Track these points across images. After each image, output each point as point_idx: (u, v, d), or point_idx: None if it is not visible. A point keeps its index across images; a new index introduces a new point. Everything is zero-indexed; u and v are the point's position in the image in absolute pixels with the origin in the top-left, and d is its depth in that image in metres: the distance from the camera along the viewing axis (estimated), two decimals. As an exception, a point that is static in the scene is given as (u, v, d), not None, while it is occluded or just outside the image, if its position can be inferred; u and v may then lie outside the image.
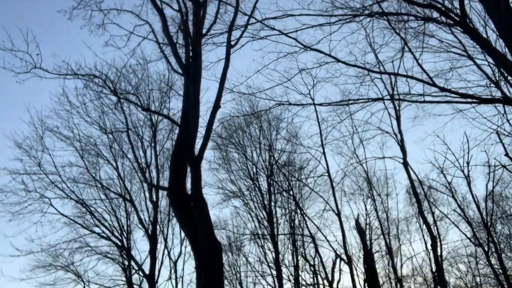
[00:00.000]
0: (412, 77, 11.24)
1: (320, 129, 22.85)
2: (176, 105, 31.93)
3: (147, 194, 24.90)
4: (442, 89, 10.71)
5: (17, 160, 23.02)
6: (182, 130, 10.94)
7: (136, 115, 25.00)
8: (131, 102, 19.05)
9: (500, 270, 23.18)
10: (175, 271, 28.54)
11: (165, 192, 20.71)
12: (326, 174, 23.63)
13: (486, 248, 23.63)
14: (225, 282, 27.06)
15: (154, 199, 24.26)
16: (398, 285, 27.28)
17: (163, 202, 25.37)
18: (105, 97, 21.27)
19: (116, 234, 24.68)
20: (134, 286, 24.43)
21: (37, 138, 23.31)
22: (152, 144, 24.91)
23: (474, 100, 11.03)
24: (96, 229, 24.24)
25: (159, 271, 23.96)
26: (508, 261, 25.81)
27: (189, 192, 10.32)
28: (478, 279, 28.10)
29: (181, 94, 12.07)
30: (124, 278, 24.87)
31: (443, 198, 27.13)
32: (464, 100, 10.93)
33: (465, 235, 25.46)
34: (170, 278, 27.66)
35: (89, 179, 24.40)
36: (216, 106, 11.31)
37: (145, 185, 24.87)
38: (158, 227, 24.68)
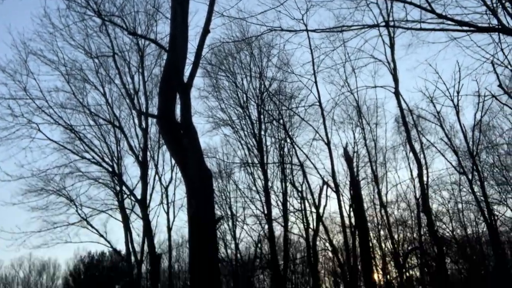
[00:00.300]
0: (409, 3, 10.79)
1: (313, 57, 22.36)
2: (163, 29, 30.93)
3: (136, 121, 24.77)
4: (440, 16, 10.32)
5: (2, 85, 22.55)
6: (170, 56, 10.56)
7: (122, 38, 24.20)
8: (116, 25, 18.27)
9: (482, 197, 23.99)
10: (167, 196, 29.20)
11: (154, 119, 20.59)
12: (317, 103, 23.51)
13: (470, 176, 24.31)
14: (216, 207, 27.79)
15: (144, 126, 24.16)
16: (383, 211, 28.29)
17: (153, 129, 25.35)
18: (89, 19, 20.31)
19: (107, 160, 24.83)
20: (126, 210, 25.02)
21: (21, 61, 22.67)
22: (140, 70, 24.36)
23: (471, 29, 10.70)
24: (87, 155, 24.33)
25: (150, 196, 24.46)
26: (490, 189, 26.65)
27: (179, 120, 10.18)
28: (460, 205, 29.17)
29: (169, 17, 11.49)
30: (116, 203, 25.41)
31: (431, 127, 27.44)
32: (460, 28, 10.60)
33: (451, 163, 26.07)
34: (161, 202, 28.37)
35: (77, 105, 24.10)
36: (206, 31, 10.86)
37: (134, 111, 24.66)
38: (148, 153, 24.81)
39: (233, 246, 32.36)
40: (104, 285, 53.66)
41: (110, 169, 24.77)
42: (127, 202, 25.20)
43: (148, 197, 23.89)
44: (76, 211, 24.48)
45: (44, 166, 24.45)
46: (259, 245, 31.68)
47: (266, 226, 26.50)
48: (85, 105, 24.18)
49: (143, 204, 23.26)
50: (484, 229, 28.53)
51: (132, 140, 24.73)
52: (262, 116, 26.60)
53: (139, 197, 23.35)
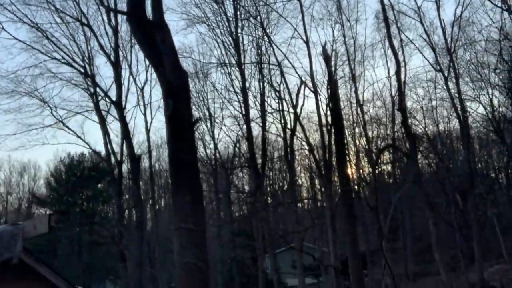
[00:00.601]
0: None
1: None
2: None
3: (105, 18, 23.51)
4: None
5: (-45, -21, 20.72)
6: None
7: None
8: None
9: (456, 94, 24.44)
10: (143, 98, 28.87)
11: (125, 16, 19.53)
12: (296, -3, 22.45)
13: (446, 74, 24.50)
14: (193, 108, 27.72)
15: (114, 24, 23.01)
16: (359, 109, 28.69)
17: (124, 27, 24.16)
18: None
19: (78, 60, 24.01)
20: (102, 112, 24.69)
21: (-29, -48, 20.66)
22: (105, -40, 22.56)
23: None
24: (56, 55, 23.48)
25: (126, 97, 24.09)
26: (465, 86, 27.04)
27: (150, 17, 9.61)
28: (434, 103, 29.75)
29: None
30: (91, 104, 25.02)
31: (411, 23, 26.96)
32: None
33: (428, 60, 26.09)
34: (138, 104, 28.12)
35: (41, 1, 22.59)
36: None
37: (102, 8, 23.28)
38: (120, 53, 24.02)
39: (212, 146, 32.91)
40: (86, 184, 54.93)
41: (82, 70, 24.02)
42: (102, 104, 24.84)
43: (123, 98, 23.53)
44: (51, 113, 24.19)
45: (13, 67, 23.55)
46: (237, 145, 32.26)
47: (244, 127, 26.74)
48: (49, 1, 22.68)
49: (119, 105, 22.95)
50: (456, 126, 29.50)
51: (103, 39, 23.70)
52: (238, 13, 25.48)
53: (114, 98, 22.95)
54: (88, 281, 50.39)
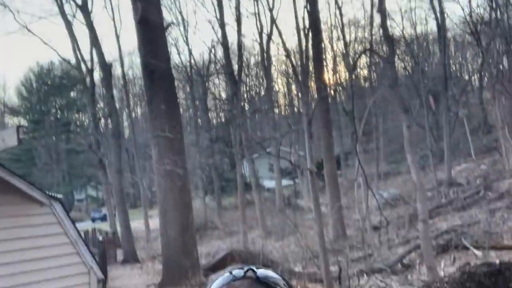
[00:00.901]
0: None
1: None
2: None
3: None
4: None
5: None
6: None
7: None
8: None
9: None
10: (110, 0, 27.23)
11: None
12: None
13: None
14: (164, 11, 26.36)
15: None
16: (337, 11, 27.88)
17: None
18: None
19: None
20: (68, 16, 23.34)
21: None
22: None
23: None
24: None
25: (92, 1, 22.70)
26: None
27: None
28: (412, 4, 28.99)
29: None
30: (56, 8, 23.56)
31: None
32: None
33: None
34: (105, 7, 26.63)
35: None
36: None
37: None
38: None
39: (186, 52, 32.05)
40: (58, 93, 53.77)
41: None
42: (68, 8, 23.41)
43: (89, 1, 22.17)
44: (14, 18, 22.81)
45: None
46: (212, 50, 31.42)
47: (219, 31, 25.83)
48: None
49: (85, 9, 21.69)
50: (433, 28, 29.12)
51: None
52: None
53: (79, 2, 21.62)
54: (70, 188, 51.39)
